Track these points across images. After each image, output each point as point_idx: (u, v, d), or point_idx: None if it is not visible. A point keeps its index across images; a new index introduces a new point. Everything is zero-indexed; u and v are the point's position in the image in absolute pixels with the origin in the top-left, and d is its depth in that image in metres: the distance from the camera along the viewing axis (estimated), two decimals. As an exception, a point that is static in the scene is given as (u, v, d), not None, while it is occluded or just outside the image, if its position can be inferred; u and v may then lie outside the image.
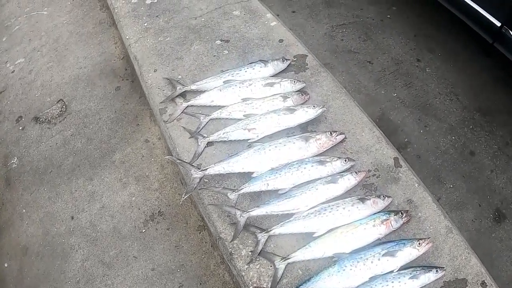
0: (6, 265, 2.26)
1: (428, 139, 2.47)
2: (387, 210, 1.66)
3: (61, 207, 2.34)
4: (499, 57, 2.28)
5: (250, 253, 1.59)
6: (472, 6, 2.28)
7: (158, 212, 2.26)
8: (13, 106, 2.86)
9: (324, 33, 2.95)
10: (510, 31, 2.15)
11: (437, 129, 2.51)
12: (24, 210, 2.39)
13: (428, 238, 1.57)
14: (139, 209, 2.28)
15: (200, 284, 2.04)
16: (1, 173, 2.57)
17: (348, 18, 3.05)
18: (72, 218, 2.30)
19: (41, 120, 2.71)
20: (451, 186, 2.32)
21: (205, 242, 2.15)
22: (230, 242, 1.58)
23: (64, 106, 2.73)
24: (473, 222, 2.23)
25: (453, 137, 2.48)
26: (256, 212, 1.62)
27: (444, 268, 1.54)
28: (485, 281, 1.54)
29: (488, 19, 2.24)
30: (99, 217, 2.29)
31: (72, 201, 2.34)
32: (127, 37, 2.39)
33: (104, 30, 3.10)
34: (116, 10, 2.55)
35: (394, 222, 1.61)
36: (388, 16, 3.08)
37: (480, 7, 2.26)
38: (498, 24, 2.21)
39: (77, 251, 2.20)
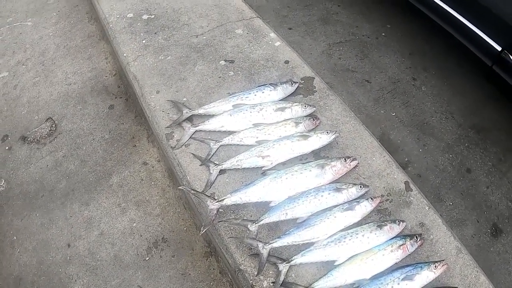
0: None
1: (427, 158, 2.57)
2: (402, 235, 1.73)
3: (56, 234, 2.24)
4: (498, 79, 2.40)
5: (271, 284, 1.59)
6: (472, 29, 2.39)
7: (162, 238, 2.22)
8: (-3, 124, 2.71)
9: (322, 51, 3.00)
10: (511, 56, 2.27)
11: (435, 147, 2.62)
12: (15, 237, 2.27)
13: (443, 260, 1.65)
14: (141, 235, 2.22)
15: (209, 314, 2.02)
16: None
17: (345, 36, 3.13)
18: (69, 245, 2.21)
19: (29, 140, 2.59)
20: (451, 203, 2.43)
21: (213, 269, 2.13)
22: (256, 276, 1.57)
23: (53, 125, 2.62)
24: (473, 238, 2.34)
25: (451, 155, 2.60)
26: (278, 243, 1.62)
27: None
28: None
29: (488, 42, 2.36)
30: (98, 244, 2.21)
31: (68, 227, 2.25)
32: (124, 54, 2.33)
33: (94, 44, 3.00)
34: (111, 25, 2.47)
35: (410, 246, 1.68)
36: (383, 34, 3.19)
37: (481, 30, 2.37)
38: (499, 48, 2.33)
39: (76, 281, 2.11)
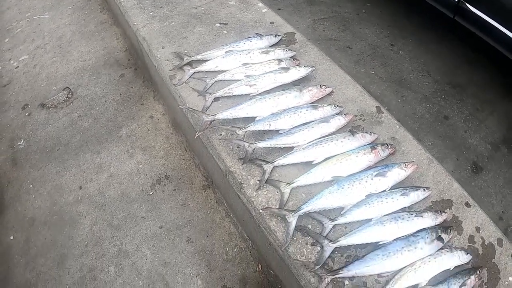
0: (11, 237, 2.42)
1: (405, 106, 2.89)
2: (374, 143, 1.99)
3: (69, 179, 2.56)
4: (463, 30, 2.74)
5: (257, 182, 1.89)
6: None
7: (165, 176, 2.53)
8: (18, 96, 3.14)
9: (307, 25, 3.44)
10: (466, 3, 2.59)
11: (412, 99, 2.94)
12: (31, 186, 2.59)
13: (413, 161, 1.89)
14: (146, 175, 2.55)
15: (207, 236, 2.29)
16: (8, 154, 2.78)
17: (328, 13, 3.58)
18: (80, 188, 2.53)
19: (47, 106, 2.99)
20: (430, 144, 2.70)
21: (210, 199, 2.43)
22: (241, 165, 1.89)
23: (70, 93, 3.03)
24: (453, 173, 2.56)
25: (428, 105, 2.91)
26: (262, 144, 1.93)
27: (430, 188, 1.83)
28: (469, 202, 1.85)
29: None
30: (107, 185, 2.53)
31: (80, 173, 2.58)
32: (135, 23, 2.77)
33: (106, 28, 3.50)
34: (123, 3, 2.95)
35: (382, 151, 1.93)
36: (364, 11, 3.63)
37: None
38: None
39: (85, 217, 2.40)
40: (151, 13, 2.86)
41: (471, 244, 1.72)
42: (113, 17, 3.50)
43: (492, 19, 2.50)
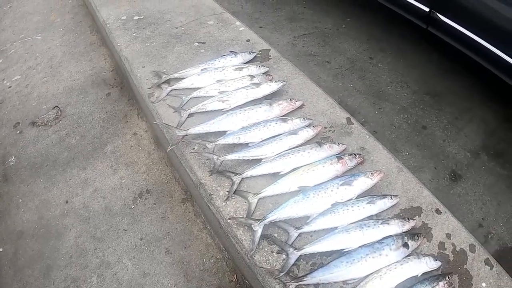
0: (1, 249, 2.51)
1: (383, 118, 2.98)
2: (342, 153, 2.07)
3: (56, 194, 2.68)
4: (437, 40, 2.84)
5: (227, 193, 1.99)
6: None
7: (146, 190, 2.65)
8: (10, 114, 3.30)
9: (287, 42, 3.59)
10: (437, 14, 2.68)
11: (390, 110, 3.03)
12: (20, 200, 2.71)
13: (380, 170, 1.94)
14: (128, 189, 2.67)
15: (185, 248, 2.39)
16: None
17: (308, 29, 3.73)
18: (67, 202, 2.65)
19: (37, 124, 3.14)
20: (407, 153, 2.78)
21: (189, 212, 2.54)
22: (209, 176, 2.00)
23: (59, 111, 3.18)
24: (431, 182, 2.64)
25: (406, 115, 3.01)
26: (230, 156, 2.04)
27: (398, 196, 1.88)
28: (439, 209, 1.88)
29: (417, 6, 2.78)
30: (92, 199, 2.65)
31: (67, 188, 2.70)
32: (118, 44, 2.95)
33: (95, 49, 3.68)
34: (108, 26, 3.14)
35: (349, 161, 2.00)
36: (343, 26, 3.77)
37: None
38: (427, 9, 2.73)
39: (70, 230, 2.51)
40: (134, 34, 3.03)
41: (441, 251, 1.77)
42: (101, 38, 3.69)
43: (464, 28, 2.59)
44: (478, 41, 2.52)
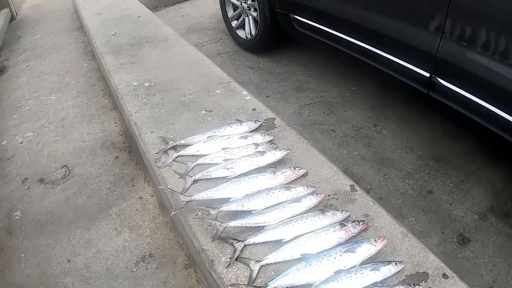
0: None
1: (388, 184, 3.17)
2: (345, 221, 2.20)
3: (59, 252, 2.83)
4: (438, 105, 3.01)
5: (228, 259, 2.14)
6: (399, 63, 3.03)
7: (149, 254, 2.81)
8: (20, 170, 3.57)
9: (293, 111, 3.91)
10: (438, 78, 2.84)
11: (395, 176, 3.23)
12: (22, 255, 2.86)
13: (384, 236, 2.04)
14: (131, 252, 2.83)
15: (186, 315, 2.50)
16: (4, 223, 3.11)
17: (314, 99, 4.06)
18: (69, 261, 2.80)
19: (45, 181, 3.39)
20: (413, 219, 2.92)
21: (191, 278, 2.67)
22: (211, 242, 2.17)
23: (68, 171, 3.44)
24: (438, 247, 2.73)
25: (411, 181, 3.19)
26: (233, 223, 2.22)
27: (403, 262, 1.96)
28: (446, 273, 1.93)
29: (416, 71, 2.96)
30: (94, 260, 2.80)
31: (70, 246, 2.86)
32: (128, 109, 3.27)
33: (106, 112, 4.03)
34: (119, 90, 3.49)
35: (353, 228, 2.11)
36: (348, 94, 4.10)
37: (406, 62, 2.99)
38: (427, 74, 2.90)
39: (70, 289, 2.65)
40: (144, 100, 3.37)
41: (450, 316, 1.80)
42: (113, 102, 4.05)
43: (466, 92, 2.74)
44: (481, 103, 2.65)
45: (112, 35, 5.27)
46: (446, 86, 2.88)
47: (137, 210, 3.08)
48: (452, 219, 2.92)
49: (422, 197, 3.08)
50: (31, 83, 5.10)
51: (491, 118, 2.65)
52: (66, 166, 3.49)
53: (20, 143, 3.93)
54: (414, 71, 3.06)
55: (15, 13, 8.38)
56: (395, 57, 3.16)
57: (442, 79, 2.90)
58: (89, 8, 6.82)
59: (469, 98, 2.74)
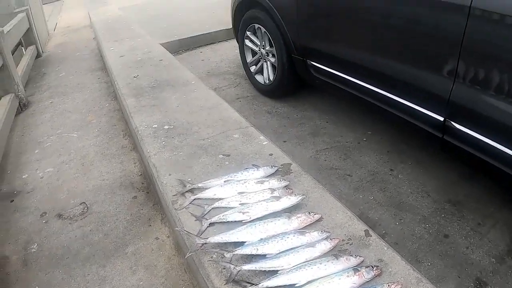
0: None
1: (403, 229, 3.22)
2: (359, 266, 2.25)
3: (73, 287, 2.92)
4: (453, 148, 3.09)
5: (242, 302, 2.23)
6: (414, 108, 3.16)
7: (163, 295, 2.89)
8: (39, 204, 3.74)
9: (310, 156, 4.04)
10: (452, 122, 2.92)
11: (411, 220, 3.28)
12: (37, 287, 2.97)
13: (398, 281, 2.09)
14: (146, 291, 2.91)
15: None
16: (20, 255, 3.23)
17: (330, 144, 4.19)
18: (83, 297, 2.90)
19: (63, 216, 3.54)
20: (429, 264, 2.94)
21: (203, 317, 2.72)
22: (225, 285, 2.24)
23: (86, 208, 3.60)
24: None
25: (427, 225, 3.23)
26: (247, 267, 2.30)
27: None
28: None
29: (430, 115, 3.05)
30: (108, 296, 2.90)
31: (84, 282, 2.95)
32: (148, 150, 3.44)
33: (126, 153, 4.22)
34: (140, 132, 3.69)
35: (366, 273, 2.16)
36: (364, 139, 4.22)
37: (420, 107, 3.11)
38: (441, 118, 2.99)
39: (83, 323, 2.72)
40: (163, 143, 3.55)
41: None
42: (133, 143, 4.25)
43: (480, 135, 2.82)
44: (496, 146, 2.73)
45: (134, 77, 5.59)
46: (461, 130, 2.96)
47: (153, 250, 3.18)
48: (469, 263, 2.93)
49: (438, 241, 3.11)
50: (54, 119, 5.39)
51: (505, 160, 2.72)
52: (84, 203, 3.65)
53: (41, 177, 4.14)
54: (429, 115, 3.17)
55: (41, 51, 8.93)
56: (409, 102, 3.30)
57: (456, 123, 2.98)
58: (112, 50, 7.25)
59: (483, 141, 2.82)
